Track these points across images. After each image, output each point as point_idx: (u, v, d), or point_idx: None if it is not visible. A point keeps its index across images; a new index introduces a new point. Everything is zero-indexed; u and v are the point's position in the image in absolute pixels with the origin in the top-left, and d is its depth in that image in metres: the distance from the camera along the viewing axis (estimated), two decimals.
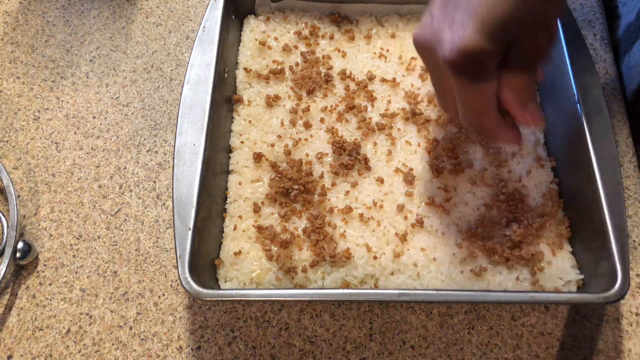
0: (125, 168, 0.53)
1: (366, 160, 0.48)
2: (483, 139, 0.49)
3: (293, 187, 0.46)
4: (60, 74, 0.58)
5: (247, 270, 0.44)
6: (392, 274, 0.44)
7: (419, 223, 0.45)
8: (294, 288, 0.44)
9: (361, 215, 0.46)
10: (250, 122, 0.51)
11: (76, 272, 0.48)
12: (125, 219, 0.50)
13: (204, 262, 0.43)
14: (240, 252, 0.45)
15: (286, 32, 0.55)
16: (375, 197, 0.47)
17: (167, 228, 0.50)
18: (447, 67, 0.34)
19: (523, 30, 0.34)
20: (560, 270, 0.44)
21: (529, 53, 0.35)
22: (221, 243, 0.46)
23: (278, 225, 0.46)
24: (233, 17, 0.54)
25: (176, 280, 0.47)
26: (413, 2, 0.56)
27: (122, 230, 0.49)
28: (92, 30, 0.61)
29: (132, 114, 0.56)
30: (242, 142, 0.50)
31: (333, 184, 0.47)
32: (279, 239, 0.45)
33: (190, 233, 0.41)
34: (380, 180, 0.47)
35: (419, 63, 0.54)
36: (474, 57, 0.33)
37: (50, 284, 0.47)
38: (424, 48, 0.37)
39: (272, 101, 0.51)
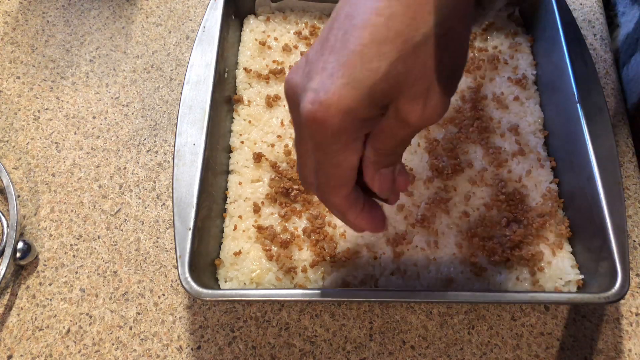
0: (125, 168, 0.53)
1: None
2: (483, 140, 0.49)
3: (293, 187, 0.46)
4: (60, 74, 0.58)
5: (247, 270, 0.44)
6: (392, 274, 0.44)
7: (419, 223, 0.45)
8: (294, 288, 0.44)
9: None
10: (250, 122, 0.51)
11: (76, 272, 0.48)
12: (125, 219, 0.50)
13: (204, 262, 0.43)
14: (240, 252, 0.45)
15: (286, 32, 0.55)
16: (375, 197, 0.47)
17: (167, 228, 0.50)
18: (303, 121, 0.28)
19: (402, 94, 0.27)
20: (560, 270, 0.44)
21: (402, 123, 0.28)
22: (221, 243, 0.46)
23: (278, 225, 0.46)
24: (233, 17, 0.54)
25: (176, 280, 0.47)
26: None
27: (122, 230, 0.49)
28: (92, 30, 0.61)
29: (132, 114, 0.56)
30: (242, 142, 0.50)
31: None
32: (279, 239, 0.45)
33: (190, 233, 0.41)
34: None
35: None
36: (341, 115, 0.27)
37: (50, 284, 0.47)
38: (291, 95, 0.30)
39: (272, 101, 0.51)
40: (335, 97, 0.27)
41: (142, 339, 0.45)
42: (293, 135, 0.50)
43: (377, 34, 0.26)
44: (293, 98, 0.29)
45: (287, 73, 0.53)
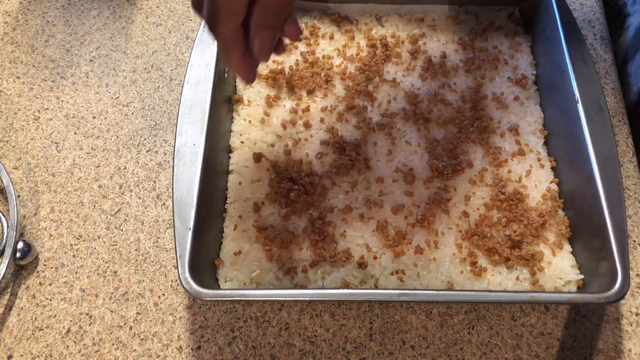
0: (125, 168, 0.53)
1: (366, 160, 0.48)
2: (483, 140, 0.49)
3: (293, 187, 0.46)
4: (60, 74, 0.58)
5: (247, 270, 0.44)
6: (392, 274, 0.44)
7: (419, 223, 0.45)
8: (294, 288, 0.44)
9: (361, 215, 0.46)
10: (250, 122, 0.51)
11: (76, 272, 0.48)
12: (125, 219, 0.50)
13: (204, 262, 0.43)
14: (240, 252, 0.45)
15: None
16: (375, 197, 0.47)
17: (167, 228, 0.50)
18: None
19: None
20: (560, 270, 0.44)
21: None
22: (221, 243, 0.46)
23: (278, 225, 0.46)
24: None
25: (176, 280, 0.47)
26: (413, 2, 0.56)
27: (122, 230, 0.49)
28: (92, 30, 0.61)
29: (132, 114, 0.56)
30: (242, 142, 0.50)
31: (333, 184, 0.47)
32: (279, 239, 0.45)
33: (190, 233, 0.41)
34: (380, 180, 0.47)
35: (419, 63, 0.54)
36: None
37: (50, 284, 0.47)
38: None
39: (272, 101, 0.51)
40: None
41: (142, 339, 0.45)
42: (293, 136, 0.50)
43: None
44: None
45: (287, 73, 0.53)
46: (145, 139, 0.54)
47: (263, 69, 0.53)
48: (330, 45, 0.55)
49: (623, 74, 0.58)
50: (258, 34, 0.35)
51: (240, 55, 0.36)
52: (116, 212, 0.50)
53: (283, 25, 0.37)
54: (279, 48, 0.39)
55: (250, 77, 0.38)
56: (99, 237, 0.49)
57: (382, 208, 0.46)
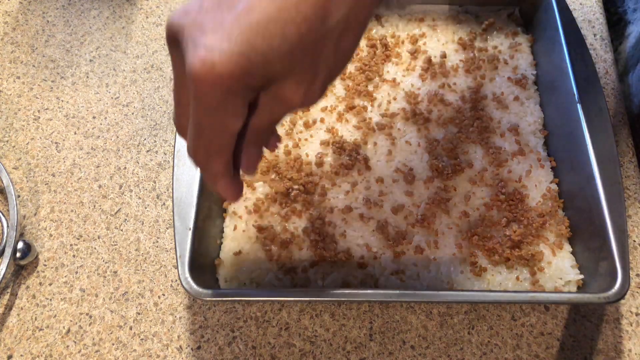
0: (125, 168, 0.53)
1: (366, 160, 0.48)
2: (483, 140, 0.49)
3: (293, 187, 0.46)
4: (60, 74, 0.58)
5: (247, 270, 0.44)
6: (392, 274, 0.44)
7: (419, 223, 0.45)
8: (294, 288, 0.44)
9: (361, 215, 0.46)
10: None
11: (76, 272, 0.48)
12: (125, 219, 0.50)
13: (204, 262, 0.43)
14: (240, 252, 0.45)
15: None
16: (375, 197, 0.47)
17: (167, 228, 0.50)
18: (190, 77, 0.26)
19: (290, 77, 0.27)
20: (560, 270, 0.44)
21: (282, 102, 0.29)
22: (221, 243, 0.46)
23: (278, 225, 0.46)
24: None
25: (176, 280, 0.47)
26: (413, 2, 0.56)
27: (122, 230, 0.49)
28: (92, 30, 0.61)
29: (132, 114, 0.56)
30: None
31: (333, 184, 0.47)
32: (279, 239, 0.45)
33: (190, 233, 0.41)
34: (380, 180, 0.47)
35: (419, 63, 0.54)
36: (230, 80, 0.26)
37: (50, 284, 0.47)
38: (175, 40, 0.28)
39: None
40: (229, 62, 0.25)
41: (142, 339, 0.45)
42: (293, 136, 0.50)
43: (284, 13, 0.26)
44: (176, 42, 0.28)
45: None
46: (145, 139, 0.54)
47: None
48: None
49: (624, 85, 0.57)
50: (246, 152, 0.31)
51: (230, 179, 0.32)
52: (116, 212, 0.50)
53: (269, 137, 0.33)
54: (270, 147, 0.36)
55: (237, 195, 0.34)
56: (99, 237, 0.49)
57: (382, 208, 0.46)
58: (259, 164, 0.33)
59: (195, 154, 0.30)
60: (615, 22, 0.62)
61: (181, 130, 0.32)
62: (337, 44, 0.28)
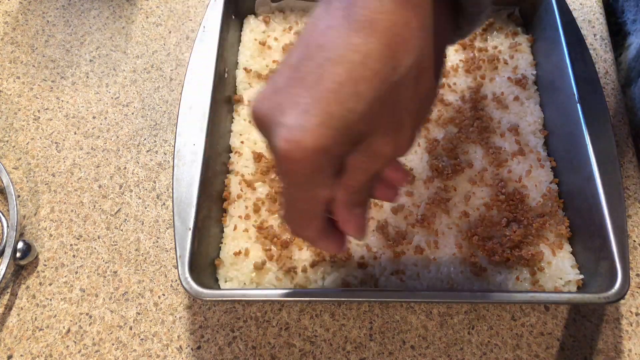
0: (125, 168, 0.53)
1: None
2: (483, 140, 0.49)
3: None
4: (60, 74, 0.58)
5: (247, 270, 0.44)
6: (392, 274, 0.44)
7: (419, 223, 0.45)
8: (294, 288, 0.44)
9: None
10: (250, 122, 0.51)
11: (76, 272, 0.48)
12: (125, 219, 0.50)
13: (204, 262, 0.43)
14: (240, 252, 0.45)
15: (286, 32, 0.55)
16: None
17: (167, 228, 0.50)
18: (277, 158, 0.27)
19: (376, 132, 0.27)
20: (560, 270, 0.44)
21: (374, 158, 0.28)
22: (221, 243, 0.46)
23: (278, 225, 0.46)
24: (233, 17, 0.54)
25: (176, 280, 0.47)
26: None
27: (122, 230, 0.49)
28: (92, 30, 0.61)
29: (132, 114, 0.56)
30: (242, 142, 0.50)
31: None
32: (279, 239, 0.45)
33: (190, 233, 0.41)
34: None
35: None
36: (317, 154, 0.26)
37: (50, 284, 0.47)
38: (260, 125, 0.28)
39: None
40: (310, 136, 0.25)
41: (142, 339, 0.45)
42: None
43: (353, 72, 0.25)
44: (263, 128, 0.28)
45: None
46: (145, 139, 0.54)
47: (263, 68, 0.53)
48: None
49: (626, 98, 0.57)
50: (347, 215, 0.30)
51: (326, 238, 0.32)
52: (116, 212, 0.50)
53: (371, 197, 0.32)
54: (391, 195, 0.33)
55: (340, 247, 0.33)
56: (99, 237, 0.49)
57: (382, 208, 0.46)
58: (365, 224, 0.32)
59: (289, 222, 0.31)
60: (615, 32, 0.62)
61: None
62: (416, 88, 0.28)
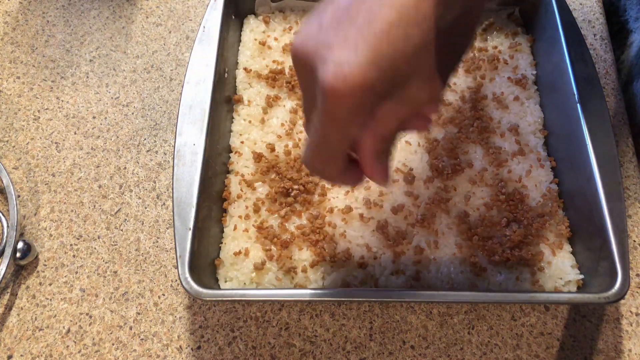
0: (125, 168, 0.53)
1: None
2: (483, 140, 0.49)
3: (293, 187, 0.46)
4: (60, 74, 0.58)
5: (247, 270, 0.44)
6: (392, 274, 0.44)
7: (419, 223, 0.45)
8: (294, 288, 0.44)
9: (361, 215, 0.46)
10: (250, 122, 0.51)
11: (76, 272, 0.48)
12: (125, 219, 0.50)
13: (204, 262, 0.43)
14: (240, 252, 0.45)
15: (286, 32, 0.55)
16: (375, 197, 0.47)
17: (167, 228, 0.50)
18: (322, 91, 0.27)
19: (415, 77, 0.28)
20: (560, 270, 0.44)
21: (408, 103, 0.29)
22: (221, 243, 0.46)
23: (278, 225, 0.46)
24: (233, 17, 0.54)
25: (176, 280, 0.47)
26: None
27: (122, 230, 0.49)
28: (92, 30, 0.61)
29: (132, 114, 0.56)
30: (242, 142, 0.50)
31: (333, 184, 0.47)
32: (279, 239, 0.45)
33: (190, 233, 0.41)
34: None
35: None
36: (364, 90, 0.27)
37: (50, 284, 0.47)
38: (303, 62, 0.29)
39: (272, 101, 0.51)
40: (359, 72, 0.26)
41: (142, 339, 0.45)
42: (293, 136, 0.50)
43: (405, 15, 0.26)
44: (307, 64, 0.29)
45: (287, 73, 0.53)
46: (145, 139, 0.54)
47: (263, 68, 0.53)
48: None
49: (628, 94, 0.57)
50: (373, 163, 0.31)
51: (345, 178, 0.33)
52: (116, 212, 0.50)
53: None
54: (423, 124, 0.33)
55: (358, 181, 0.34)
56: (99, 237, 0.49)
57: (382, 208, 0.46)
58: (389, 172, 0.33)
59: (313, 160, 0.32)
60: (617, 31, 0.62)
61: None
62: (455, 40, 0.29)
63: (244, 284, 0.44)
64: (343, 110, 0.28)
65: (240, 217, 0.46)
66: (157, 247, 0.49)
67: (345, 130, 0.29)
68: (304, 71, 0.29)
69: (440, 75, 0.30)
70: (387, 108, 0.29)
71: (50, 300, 0.47)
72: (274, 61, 0.54)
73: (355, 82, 0.26)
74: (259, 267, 0.44)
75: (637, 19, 0.58)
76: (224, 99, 0.50)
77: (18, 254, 0.46)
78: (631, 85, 0.57)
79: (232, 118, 0.51)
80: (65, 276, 0.48)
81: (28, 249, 0.47)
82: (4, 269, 0.45)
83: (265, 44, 0.54)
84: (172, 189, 0.43)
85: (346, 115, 0.28)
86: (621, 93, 0.56)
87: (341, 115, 0.28)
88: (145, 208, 0.51)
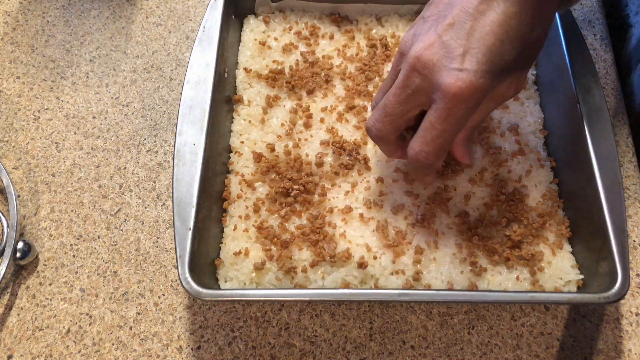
0: (125, 168, 0.53)
1: (366, 160, 0.48)
2: (483, 140, 0.49)
3: (293, 187, 0.46)
4: (60, 74, 0.58)
5: (247, 270, 0.44)
6: (392, 274, 0.44)
7: (419, 223, 0.45)
8: (294, 288, 0.44)
9: (361, 215, 0.46)
10: (250, 122, 0.51)
11: (76, 272, 0.48)
12: (125, 219, 0.50)
13: (204, 262, 0.43)
14: (240, 252, 0.45)
15: (286, 32, 0.55)
16: (375, 197, 0.47)
17: (167, 228, 0.50)
18: (445, 93, 0.35)
19: (513, 78, 0.37)
20: (560, 270, 0.44)
21: (497, 100, 0.39)
22: (221, 243, 0.46)
23: (278, 225, 0.46)
24: (233, 17, 0.54)
25: (176, 280, 0.47)
26: (413, 2, 0.56)
27: (122, 230, 0.49)
28: (92, 30, 0.61)
29: (132, 114, 0.56)
30: (242, 142, 0.50)
31: (333, 184, 0.47)
32: (279, 239, 0.45)
33: (190, 233, 0.41)
34: (380, 180, 0.47)
35: None
36: (479, 93, 0.35)
37: (50, 284, 0.47)
38: (425, 67, 0.36)
39: (272, 101, 0.51)
40: (481, 79, 0.34)
41: (142, 339, 0.45)
42: (293, 136, 0.50)
43: (511, 34, 0.35)
44: (427, 70, 0.36)
45: (287, 73, 0.53)
46: (145, 139, 0.54)
47: (263, 68, 0.53)
48: (330, 45, 0.55)
49: (626, 85, 0.57)
50: (465, 148, 0.43)
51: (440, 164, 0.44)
52: (116, 212, 0.50)
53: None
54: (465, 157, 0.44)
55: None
56: (99, 237, 0.49)
57: (382, 208, 0.46)
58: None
59: (428, 154, 0.38)
60: (618, 26, 0.62)
61: (389, 135, 0.41)
62: (539, 48, 0.38)
63: (244, 284, 0.44)
64: (463, 109, 0.35)
65: (240, 217, 0.46)
66: (157, 247, 0.49)
67: (459, 125, 0.36)
68: (419, 75, 0.36)
69: (525, 73, 0.39)
70: (482, 104, 0.37)
71: (50, 300, 0.47)
72: (274, 61, 0.54)
73: (477, 86, 0.34)
74: (259, 267, 0.44)
75: (638, 13, 0.59)
76: (224, 99, 0.50)
77: (18, 254, 0.46)
78: (629, 77, 0.57)
79: (232, 118, 0.51)
80: (65, 276, 0.48)
81: (28, 249, 0.47)
82: (4, 269, 0.45)
83: (265, 44, 0.54)
84: (172, 189, 0.43)
85: (464, 113, 0.36)
86: (621, 92, 0.56)
87: (461, 113, 0.36)
88: (145, 208, 0.51)
